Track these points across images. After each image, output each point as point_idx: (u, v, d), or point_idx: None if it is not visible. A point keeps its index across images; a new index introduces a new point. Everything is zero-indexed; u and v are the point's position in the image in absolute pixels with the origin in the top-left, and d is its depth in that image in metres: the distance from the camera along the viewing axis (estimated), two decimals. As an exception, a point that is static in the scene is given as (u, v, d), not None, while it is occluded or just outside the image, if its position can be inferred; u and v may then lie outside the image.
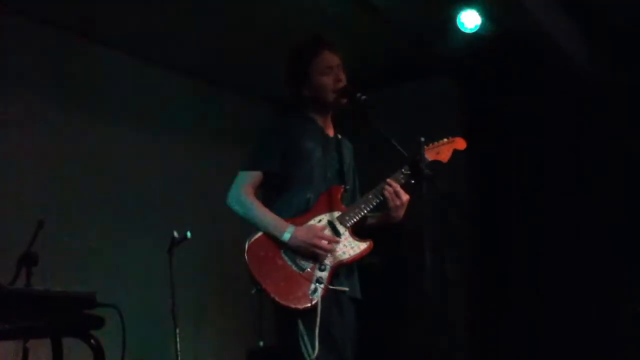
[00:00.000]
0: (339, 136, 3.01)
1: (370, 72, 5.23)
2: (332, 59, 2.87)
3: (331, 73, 2.84)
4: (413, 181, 2.75)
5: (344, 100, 2.84)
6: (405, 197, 2.78)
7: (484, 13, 4.64)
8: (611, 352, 4.82)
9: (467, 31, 4.71)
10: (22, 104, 4.59)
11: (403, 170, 2.81)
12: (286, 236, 2.63)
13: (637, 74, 5.03)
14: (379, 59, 5.52)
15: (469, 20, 4.67)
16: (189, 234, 3.69)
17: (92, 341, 2.87)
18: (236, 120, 5.87)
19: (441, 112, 5.46)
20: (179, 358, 4.04)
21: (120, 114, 5.15)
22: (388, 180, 2.78)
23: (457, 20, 4.67)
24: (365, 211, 2.77)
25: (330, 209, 2.76)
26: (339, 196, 2.81)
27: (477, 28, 4.69)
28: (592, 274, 4.98)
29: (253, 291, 2.61)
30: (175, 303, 3.69)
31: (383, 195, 2.77)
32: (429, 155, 2.88)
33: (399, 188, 2.77)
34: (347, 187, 2.88)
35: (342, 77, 2.86)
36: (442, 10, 4.68)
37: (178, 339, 3.94)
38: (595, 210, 5.06)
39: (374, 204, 2.77)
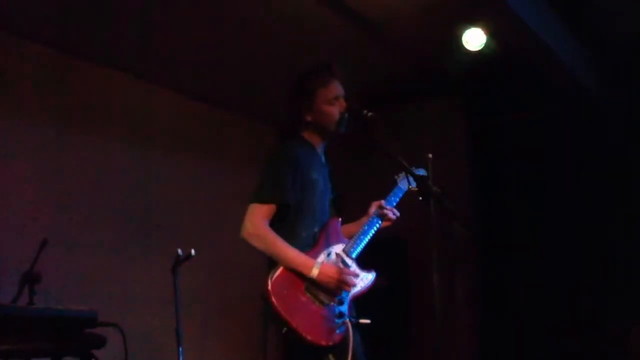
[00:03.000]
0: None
1: (375, 91, 5.25)
2: (339, 89, 2.92)
3: (337, 103, 2.89)
4: (421, 198, 2.75)
5: (343, 130, 2.90)
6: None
7: (487, 32, 4.65)
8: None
9: (471, 50, 4.72)
10: (25, 124, 4.59)
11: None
12: (314, 272, 2.63)
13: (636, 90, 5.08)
14: (383, 79, 5.53)
15: (473, 39, 4.68)
16: (193, 252, 3.67)
17: (93, 361, 2.84)
18: (241, 141, 5.88)
19: (445, 130, 5.50)
20: (182, 378, 3.98)
21: (123, 135, 5.16)
22: (378, 211, 2.92)
23: (461, 39, 4.68)
24: (365, 242, 2.83)
25: (335, 242, 2.80)
26: (339, 228, 2.87)
27: (481, 47, 4.71)
28: (595, 288, 5.04)
29: (284, 330, 2.57)
30: (178, 322, 3.65)
31: (379, 224, 2.89)
32: (403, 184, 3.04)
33: (389, 207, 2.93)
34: (342, 218, 2.94)
35: (346, 107, 2.90)
36: (446, 30, 4.69)
37: (181, 359, 3.88)
38: (597, 224, 5.12)
39: (372, 234, 2.86)
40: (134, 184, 5.10)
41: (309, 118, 2.90)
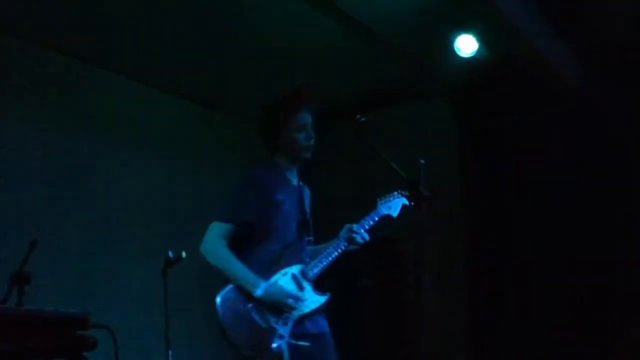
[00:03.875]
0: (301, 184, 3.16)
1: (368, 95, 5.29)
2: (306, 117, 3.07)
3: (304, 130, 3.05)
4: (412, 203, 2.83)
5: (309, 156, 3.07)
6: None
7: (479, 38, 4.63)
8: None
9: (464, 56, 4.71)
10: (20, 125, 4.60)
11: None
12: (258, 292, 2.78)
13: (631, 90, 5.05)
14: (377, 82, 5.56)
15: (465, 45, 4.66)
16: (183, 254, 3.65)
17: (84, 364, 2.81)
18: (233, 143, 5.89)
19: (438, 134, 5.50)
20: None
21: (116, 136, 5.17)
22: (347, 234, 3.00)
23: (454, 45, 4.66)
24: (326, 264, 2.95)
25: (295, 262, 2.93)
26: (303, 249, 2.99)
27: (474, 53, 4.69)
28: (595, 288, 5.02)
29: (224, 343, 2.75)
30: (168, 325, 3.64)
31: (344, 247, 2.98)
32: (382, 209, 3.13)
33: (361, 231, 3.02)
34: (310, 238, 3.06)
35: (313, 135, 3.06)
36: (439, 35, 4.70)
37: (171, 362, 3.88)
38: (597, 224, 5.10)
39: (334, 256, 2.97)
40: (128, 186, 5.12)
41: (278, 143, 3.06)
